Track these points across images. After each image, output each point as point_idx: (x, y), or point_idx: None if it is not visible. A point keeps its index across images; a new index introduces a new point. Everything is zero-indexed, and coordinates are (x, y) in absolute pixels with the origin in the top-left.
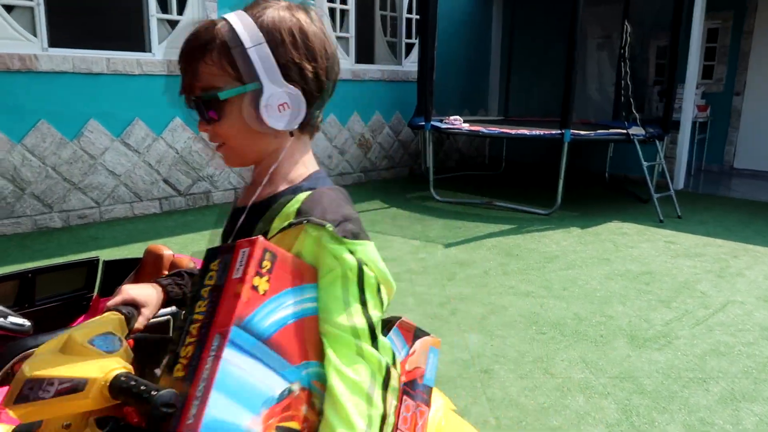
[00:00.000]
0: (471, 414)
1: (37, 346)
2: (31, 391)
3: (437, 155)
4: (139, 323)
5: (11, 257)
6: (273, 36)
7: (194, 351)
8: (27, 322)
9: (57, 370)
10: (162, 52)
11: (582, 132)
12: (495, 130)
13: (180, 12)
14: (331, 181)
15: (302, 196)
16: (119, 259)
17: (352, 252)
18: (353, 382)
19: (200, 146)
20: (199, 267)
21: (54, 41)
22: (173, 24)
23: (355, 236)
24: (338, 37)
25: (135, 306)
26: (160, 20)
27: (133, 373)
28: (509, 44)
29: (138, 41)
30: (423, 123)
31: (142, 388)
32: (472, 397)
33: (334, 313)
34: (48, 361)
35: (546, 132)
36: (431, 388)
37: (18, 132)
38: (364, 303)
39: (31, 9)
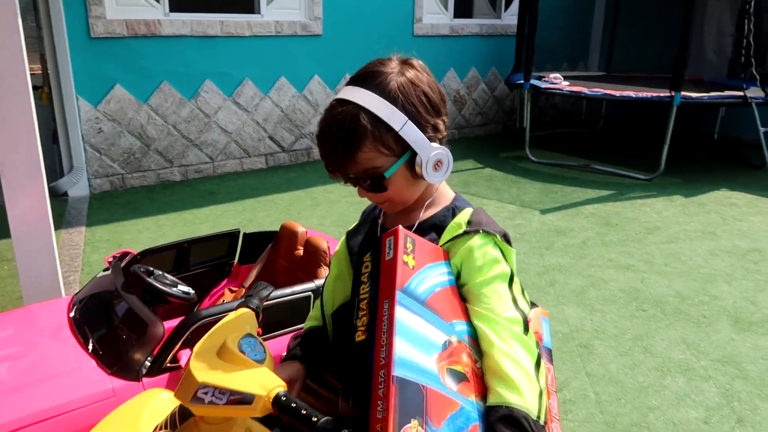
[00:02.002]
0: (571, 387)
1: (209, 315)
2: (206, 395)
3: (533, 112)
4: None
5: (143, 208)
6: (409, 110)
7: (368, 319)
8: (191, 291)
9: (225, 381)
10: (269, 13)
11: (693, 95)
12: (598, 91)
13: None
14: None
15: (467, 212)
16: (256, 231)
17: (507, 258)
18: (514, 360)
19: (303, 104)
20: (330, 244)
21: (174, 6)
22: None
23: (510, 246)
24: None
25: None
26: None
27: (286, 388)
28: None
29: (248, 3)
30: (522, 82)
31: (303, 412)
32: (572, 372)
33: (496, 304)
34: (212, 368)
35: (654, 94)
36: (551, 350)
37: (144, 93)
38: (515, 300)
39: None
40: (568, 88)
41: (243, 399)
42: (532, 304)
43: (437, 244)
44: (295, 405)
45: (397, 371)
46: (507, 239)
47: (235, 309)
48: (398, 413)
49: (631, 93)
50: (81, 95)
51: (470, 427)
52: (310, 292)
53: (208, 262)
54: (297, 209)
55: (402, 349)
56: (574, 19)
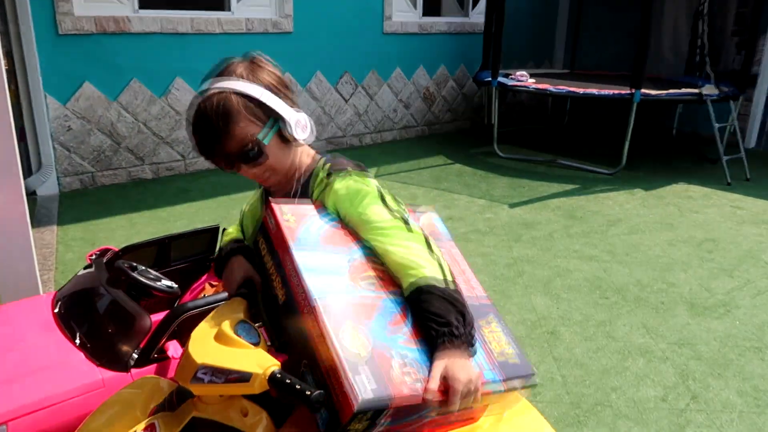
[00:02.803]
0: (539, 372)
1: (195, 307)
2: (205, 375)
3: (500, 108)
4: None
5: (115, 206)
6: (263, 82)
7: (279, 277)
8: (175, 285)
9: (223, 361)
10: (240, 10)
11: (652, 92)
12: (563, 89)
13: None
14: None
15: (322, 164)
16: None
17: (366, 183)
18: (406, 249)
19: None
20: None
21: (143, 3)
22: None
23: (366, 173)
24: None
25: (252, 280)
26: None
27: (279, 366)
28: None
29: (218, 0)
30: (489, 79)
31: (297, 387)
32: (539, 356)
33: (377, 220)
34: (210, 350)
35: (615, 92)
36: (450, 235)
37: (114, 90)
38: (390, 210)
39: None
40: (534, 86)
41: (241, 377)
42: (419, 209)
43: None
44: (289, 381)
45: (315, 299)
46: (361, 167)
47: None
48: (331, 322)
49: (594, 90)
50: (49, 93)
51: (393, 317)
52: None
53: (188, 257)
54: None
55: (313, 280)
56: (540, 18)
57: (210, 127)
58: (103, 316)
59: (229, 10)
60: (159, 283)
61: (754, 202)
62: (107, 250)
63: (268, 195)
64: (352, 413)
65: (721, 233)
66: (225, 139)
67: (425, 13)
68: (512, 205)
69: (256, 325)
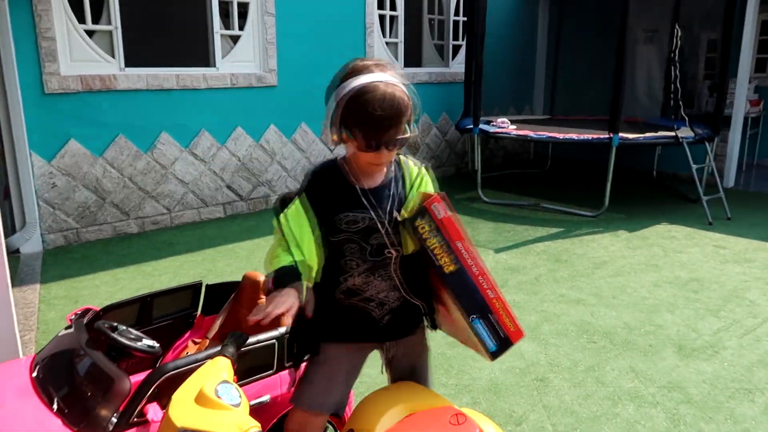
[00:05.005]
0: (529, 421)
1: (175, 368)
2: None
3: (483, 154)
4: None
5: (100, 262)
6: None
7: (449, 257)
8: (156, 344)
9: (202, 424)
10: (225, 66)
11: (630, 136)
12: (543, 134)
13: (241, 27)
14: None
15: (405, 159)
16: (219, 282)
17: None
18: None
19: (260, 153)
20: None
21: (129, 61)
22: (234, 39)
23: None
24: (387, 43)
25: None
26: (222, 36)
27: (260, 429)
28: (555, 42)
29: (203, 57)
30: (471, 126)
31: None
32: (529, 405)
33: None
34: (190, 413)
35: (594, 136)
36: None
37: (99, 146)
38: None
39: (110, 32)
40: (515, 132)
41: None
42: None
43: (404, 188)
44: None
45: (487, 272)
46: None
47: (212, 357)
48: (495, 284)
49: (573, 135)
50: (34, 150)
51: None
52: (274, 340)
53: (171, 314)
54: (257, 258)
55: (480, 262)
56: (519, 66)
57: (394, 113)
58: (81, 379)
59: (215, 66)
60: (139, 343)
61: (736, 241)
62: (88, 310)
63: (348, 187)
64: (520, 337)
65: (705, 273)
66: (394, 125)
67: (406, 64)
68: (498, 250)
69: (240, 383)
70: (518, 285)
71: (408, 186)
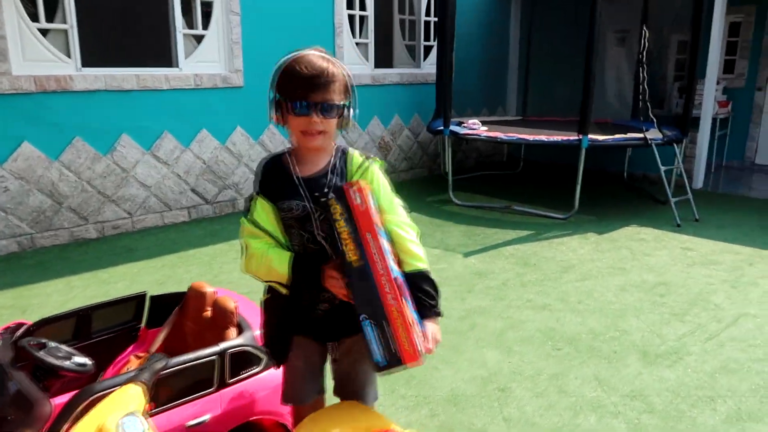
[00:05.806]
0: None
1: (102, 390)
2: None
3: (455, 155)
4: None
5: (54, 269)
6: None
7: (355, 247)
8: (89, 362)
9: None
10: (188, 66)
11: (600, 138)
12: (513, 136)
13: (205, 27)
14: None
15: (353, 151)
16: (164, 294)
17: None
18: (416, 243)
19: (226, 155)
20: (238, 304)
21: (86, 61)
22: (198, 39)
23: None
24: (357, 44)
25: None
26: (185, 35)
27: None
28: (527, 43)
29: (165, 57)
30: (442, 128)
31: None
32: (489, 417)
33: (401, 210)
34: None
35: (564, 138)
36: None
37: (55, 149)
38: (400, 204)
39: (65, 31)
40: (486, 134)
41: None
42: None
43: (344, 178)
44: None
45: (395, 277)
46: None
47: (124, 384)
48: (404, 293)
49: (543, 137)
50: None
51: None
52: (215, 356)
53: (112, 327)
54: (219, 263)
55: (390, 262)
56: (491, 66)
57: (319, 75)
58: (2, 401)
59: (177, 66)
60: (68, 362)
61: (703, 243)
62: (21, 324)
63: (287, 175)
64: (415, 362)
65: (672, 276)
66: (323, 90)
67: (377, 65)
68: (467, 254)
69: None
70: (485, 290)
71: (348, 176)
